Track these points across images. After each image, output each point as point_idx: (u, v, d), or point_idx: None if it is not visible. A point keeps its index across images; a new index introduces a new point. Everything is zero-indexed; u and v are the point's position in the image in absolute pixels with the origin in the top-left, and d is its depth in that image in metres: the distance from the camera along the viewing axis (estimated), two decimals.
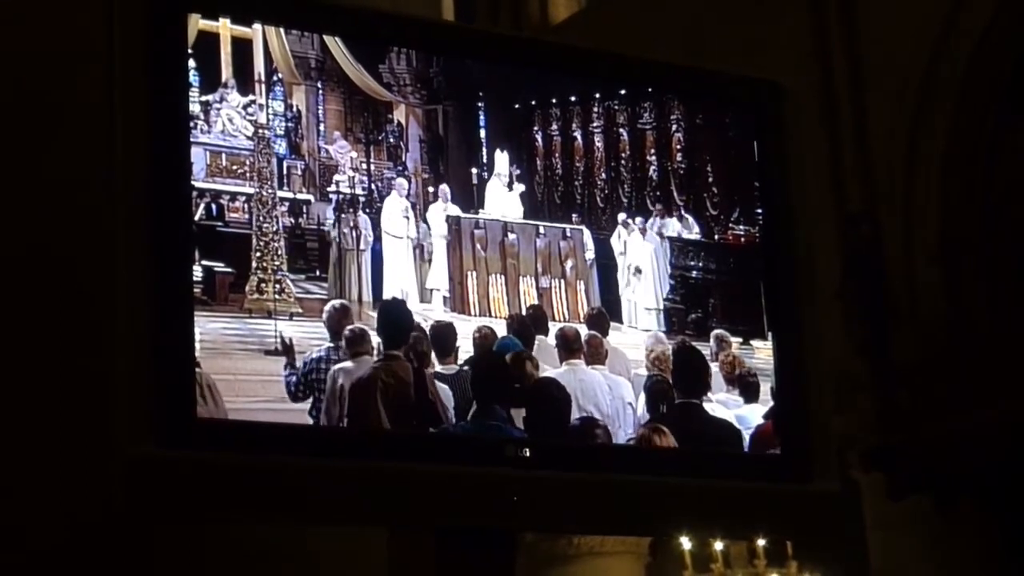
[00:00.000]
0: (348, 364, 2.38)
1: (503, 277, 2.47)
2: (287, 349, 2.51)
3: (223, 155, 2.38)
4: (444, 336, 2.50)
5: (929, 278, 14.33)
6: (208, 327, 2.35)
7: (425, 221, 2.47)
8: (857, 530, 14.19)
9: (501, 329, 2.53)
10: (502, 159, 2.50)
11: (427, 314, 2.47)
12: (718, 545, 15.06)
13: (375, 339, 2.42)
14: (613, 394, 2.58)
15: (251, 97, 2.39)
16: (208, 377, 2.34)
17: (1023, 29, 14.02)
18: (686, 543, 14.90)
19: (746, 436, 2.68)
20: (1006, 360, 13.33)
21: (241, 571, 2.90)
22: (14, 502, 2.76)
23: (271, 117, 2.37)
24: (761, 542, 14.95)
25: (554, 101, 2.58)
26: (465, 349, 2.53)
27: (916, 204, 14.53)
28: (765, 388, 2.68)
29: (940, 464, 13.57)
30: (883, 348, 14.05)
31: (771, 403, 2.68)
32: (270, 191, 2.42)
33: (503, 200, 2.52)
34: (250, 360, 2.38)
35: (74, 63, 2.48)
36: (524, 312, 2.54)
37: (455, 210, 2.48)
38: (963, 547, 13.84)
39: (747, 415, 2.71)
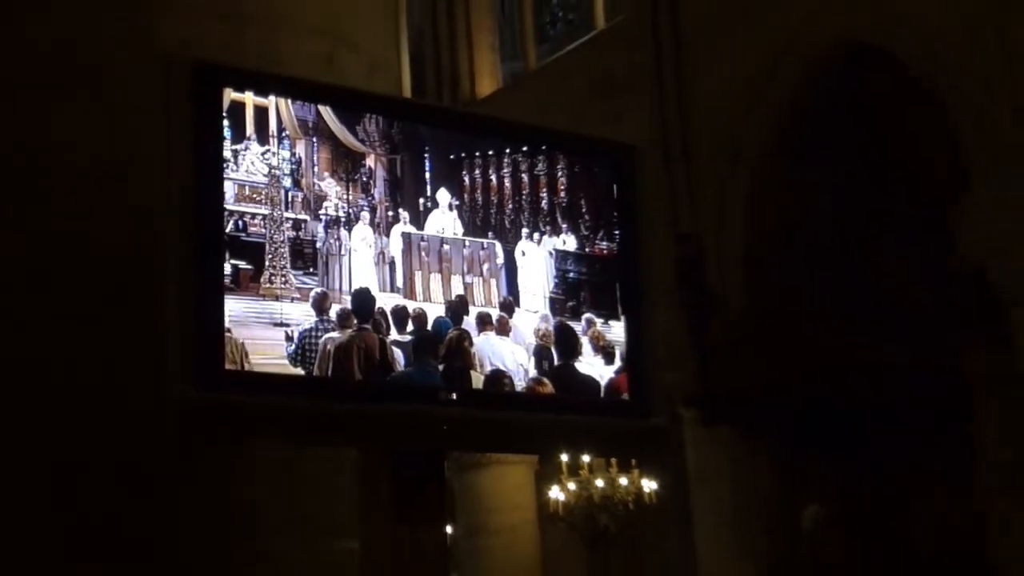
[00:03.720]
0: (335, 334, 2.48)
1: (440, 275, 2.58)
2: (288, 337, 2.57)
3: (247, 187, 2.47)
4: (399, 315, 2.59)
5: (735, 280, 14.55)
6: (234, 306, 2.42)
7: (387, 236, 2.57)
8: (679, 448, 14.37)
9: (438, 311, 2.62)
10: (442, 194, 2.62)
11: (387, 299, 2.56)
12: (585, 458, 15.14)
13: (355, 319, 2.50)
14: (514, 357, 2.69)
15: (267, 147, 2.47)
16: (236, 341, 2.42)
17: (805, 101, 14.21)
18: (563, 456, 14.99)
19: (603, 386, 2.78)
20: (784, 339, 13.59)
21: (252, 484, 2.94)
22: (98, 433, 2.78)
23: (280, 161, 2.46)
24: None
25: (477, 154, 2.69)
26: (412, 326, 2.61)
27: (728, 228, 14.73)
28: (618, 354, 2.79)
29: (737, 404, 13.82)
30: (702, 327, 14.25)
31: (622, 364, 2.79)
32: (278, 213, 2.51)
33: (441, 222, 2.63)
34: (263, 330, 2.46)
35: (146, 122, 2.54)
36: (455, 299, 2.65)
37: (409, 228, 2.58)
38: (751, 459, 14.13)
39: (605, 373, 2.80)
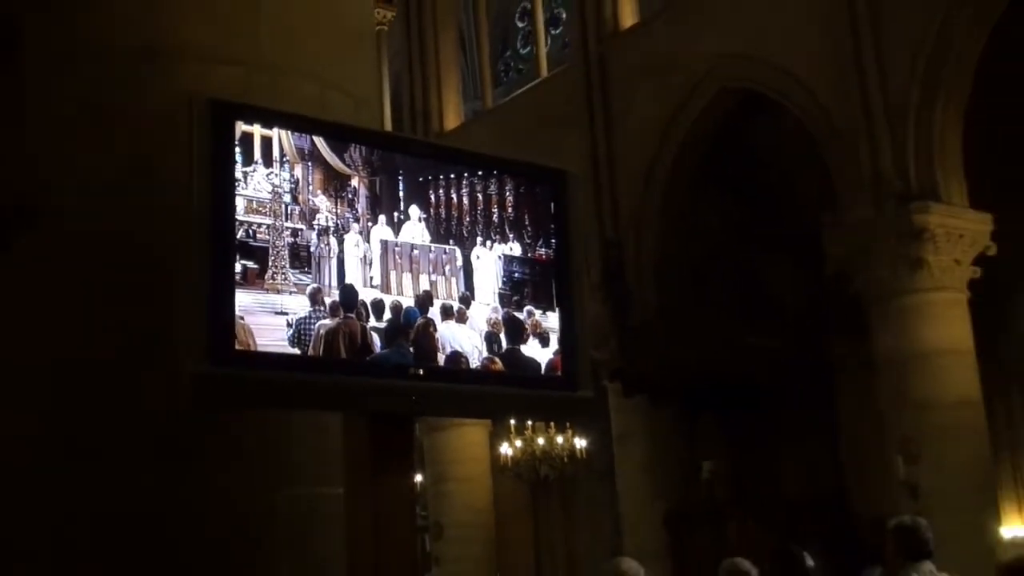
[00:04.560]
0: (326, 321, 2.43)
1: (410, 274, 2.55)
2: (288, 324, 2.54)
3: (254, 202, 2.42)
4: (377, 306, 2.56)
5: (649, 279, 14.60)
6: (243, 299, 2.38)
7: (368, 242, 2.54)
8: (604, 413, 14.42)
9: (409, 303, 2.59)
10: (413, 209, 2.58)
11: (368, 293, 2.53)
12: (528, 421, 15.16)
13: (342, 309, 2.48)
14: (470, 341, 2.66)
15: (271, 169, 2.43)
16: (244, 326, 2.38)
17: (706, 136, 14.30)
18: (511, 420, 15.00)
19: (543, 365, 2.76)
20: (688, 327, 13.63)
21: (254, 442, 2.90)
22: (135, 398, 2.75)
23: (282, 181, 2.42)
24: None
25: (442, 177, 2.66)
26: (388, 315, 2.59)
27: (643, 237, 14.79)
28: (554, 339, 2.77)
29: (649, 379, 13.87)
30: (623, 316, 14.26)
31: (557, 347, 2.77)
32: (280, 223, 2.47)
33: (412, 231, 2.60)
34: (267, 317, 2.42)
35: (173, 148, 2.50)
36: (422, 294, 2.62)
37: (387, 234, 2.55)
38: (661, 423, 14.25)
39: (544, 355, 2.79)
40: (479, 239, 2.74)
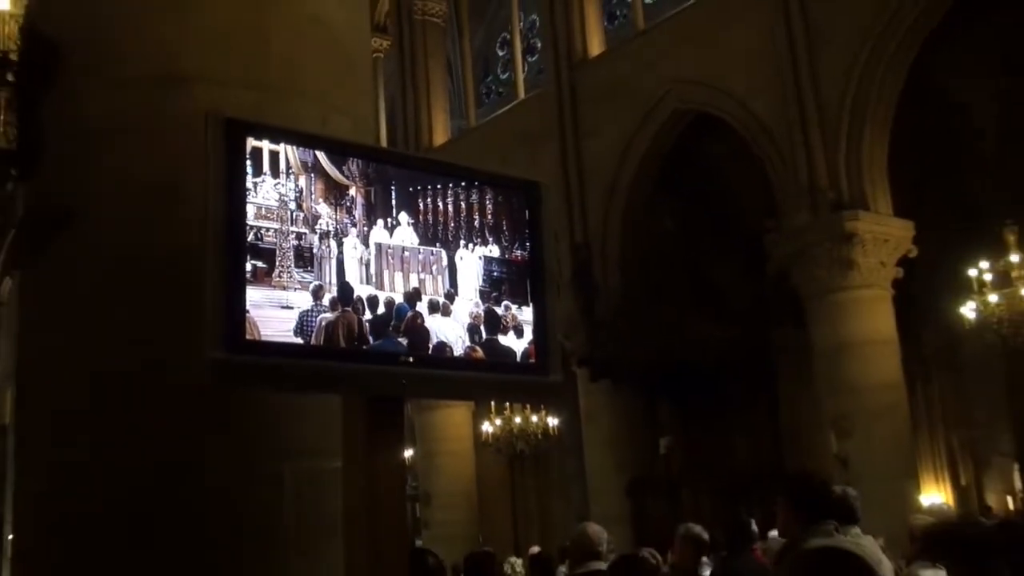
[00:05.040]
0: (327, 314, 2.42)
1: (401, 273, 2.54)
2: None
3: (263, 208, 2.41)
4: (372, 301, 2.55)
5: (614, 277, 14.62)
6: (253, 295, 2.36)
7: (364, 245, 2.53)
8: (573, 396, 14.43)
9: (400, 299, 2.59)
10: (403, 215, 2.58)
11: (363, 290, 2.53)
12: (506, 402, 15.17)
13: (340, 304, 2.47)
14: (454, 332, 2.66)
15: (278, 180, 2.42)
16: (252, 319, 2.37)
17: (663, 151, 14.34)
18: (492, 402, 15.02)
19: (519, 353, 2.76)
20: (648, 319, 13.67)
21: (265, 420, 2.90)
22: (162, 380, 2.74)
23: (287, 191, 2.41)
24: None
25: (430, 187, 2.66)
26: (381, 309, 2.58)
27: (608, 240, 14.80)
28: (528, 330, 2.77)
29: (613, 365, 13.89)
30: (590, 310, 14.28)
31: (531, 338, 2.77)
32: (286, 227, 2.46)
33: (403, 235, 2.59)
34: (274, 311, 2.40)
35: (192, 161, 2.50)
36: (411, 290, 2.61)
37: (381, 238, 2.54)
38: (623, 403, 14.25)
39: (520, 344, 2.78)
40: (462, 242, 2.73)
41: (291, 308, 2.37)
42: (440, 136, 18.38)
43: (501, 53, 21.34)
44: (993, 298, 11.64)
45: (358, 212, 2.51)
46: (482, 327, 2.63)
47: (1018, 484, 14.34)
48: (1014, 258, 11.69)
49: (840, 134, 12.01)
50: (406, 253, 2.59)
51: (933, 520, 5.79)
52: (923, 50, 11.89)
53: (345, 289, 2.44)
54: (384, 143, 17.80)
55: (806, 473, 3.99)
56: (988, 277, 11.75)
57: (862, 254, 11.83)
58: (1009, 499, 15.06)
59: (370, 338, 2.46)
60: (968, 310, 12.01)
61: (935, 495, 16.33)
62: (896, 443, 11.60)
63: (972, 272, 11.93)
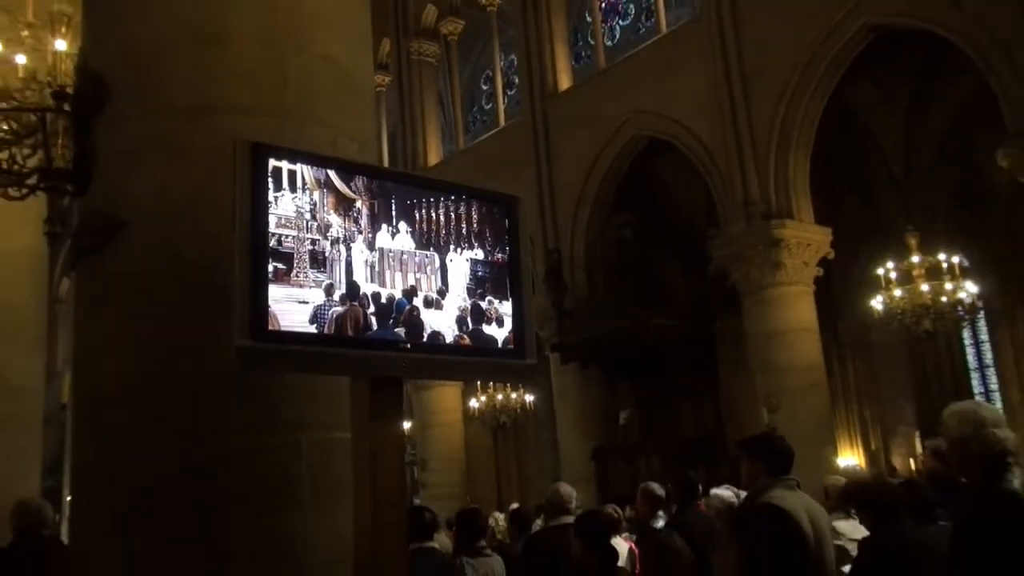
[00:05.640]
0: (337, 308, 2.42)
1: (400, 273, 2.54)
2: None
3: (282, 218, 2.40)
4: (375, 297, 2.55)
5: (580, 276, 14.64)
6: (275, 292, 2.36)
7: (370, 248, 2.53)
8: (547, 376, 14.42)
9: (399, 295, 2.58)
10: (403, 224, 2.58)
11: (368, 287, 2.52)
12: (490, 382, 15.14)
13: (349, 299, 2.46)
14: (446, 323, 2.66)
15: (295, 194, 2.42)
16: (273, 311, 2.36)
17: (621, 170, 14.34)
18: (478, 381, 14.99)
19: (500, 341, 2.77)
20: (608, 311, 13.69)
21: (283, 396, 2.88)
22: (199, 364, 2.73)
23: (303, 203, 2.40)
24: None
25: (424, 200, 2.66)
26: (383, 303, 2.58)
27: (575, 245, 14.81)
28: (508, 321, 2.78)
29: (580, 350, 13.90)
30: (560, 303, 14.28)
31: (510, 327, 2.78)
32: (302, 235, 2.45)
33: (402, 241, 2.59)
34: (292, 305, 2.40)
35: (221, 178, 2.48)
36: (409, 288, 2.61)
37: (383, 243, 2.54)
38: (589, 383, 14.26)
39: (501, 333, 2.78)
40: (452, 247, 2.73)
41: (306, 303, 2.37)
42: (433, 157, 18.34)
43: (485, 87, 21.31)
44: (898, 293, 11.72)
45: (363, 221, 2.51)
46: (469, 319, 2.63)
47: (919, 448, 14.46)
48: (915, 259, 11.79)
49: (769, 155, 12.08)
50: (404, 256, 2.59)
51: (846, 480, 5.84)
52: (840, 83, 11.97)
53: (352, 287, 2.43)
54: (386, 163, 17.74)
55: (768, 434, 4.00)
56: (893, 275, 11.83)
57: (788, 256, 11.90)
58: (911, 461, 15.19)
59: (374, 328, 2.46)
60: (877, 303, 12.08)
61: (850, 458, 16.47)
62: (817, 415, 11.66)
63: (880, 271, 12.01)
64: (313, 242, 2.41)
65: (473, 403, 16.35)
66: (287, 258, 2.37)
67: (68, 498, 3.36)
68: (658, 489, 6.07)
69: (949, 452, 2.90)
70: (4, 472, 5.79)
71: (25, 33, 4.11)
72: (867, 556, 3.65)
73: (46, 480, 7.43)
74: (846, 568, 4.14)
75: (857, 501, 3.74)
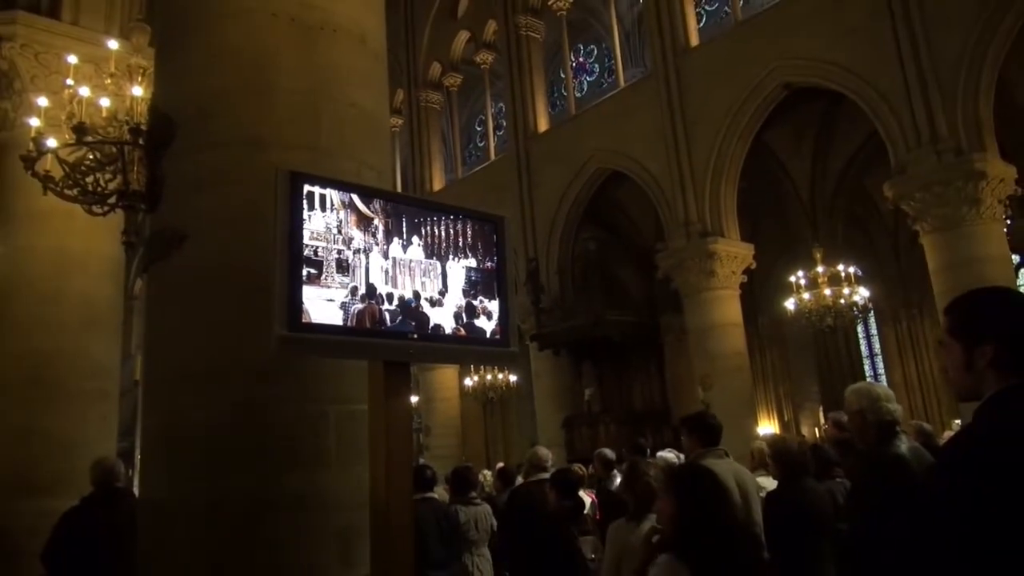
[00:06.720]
0: (358, 305, 2.40)
1: (410, 278, 2.52)
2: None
3: (314, 232, 2.38)
4: (389, 296, 2.53)
5: (553, 280, 14.62)
6: (308, 292, 2.34)
7: (385, 257, 2.51)
8: (527, 360, 14.38)
9: (408, 295, 2.57)
10: (414, 238, 2.56)
11: (384, 288, 2.50)
12: (481, 365, 15.06)
13: (368, 298, 2.44)
14: (445, 318, 2.65)
15: (325, 213, 2.40)
16: (306, 308, 2.33)
17: (587, 197, 14.33)
18: (471, 365, 14.89)
19: (489, 332, 2.75)
20: (576, 308, 13.67)
21: (317, 375, 2.86)
22: (245, 351, 2.70)
23: (331, 221, 2.38)
24: None
25: (429, 218, 2.64)
26: (396, 302, 2.56)
27: (550, 255, 14.79)
28: (495, 316, 2.76)
29: (554, 339, 13.86)
30: (538, 302, 14.26)
31: (497, 321, 2.77)
32: (331, 246, 2.43)
33: (412, 252, 2.58)
34: (321, 303, 2.38)
35: (265, 200, 2.46)
36: (416, 289, 2.59)
37: (396, 253, 2.53)
38: (561, 366, 14.26)
39: (490, 326, 2.76)
40: (451, 256, 2.72)
41: (333, 300, 2.35)
42: (437, 184, 18.30)
43: (479, 128, 21.29)
44: (806, 296, 11.82)
45: (380, 236, 2.49)
46: (464, 314, 2.62)
47: (822, 420, 14.56)
48: (820, 269, 11.89)
49: (705, 185, 12.16)
50: (413, 264, 2.58)
51: (765, 444, 5.85)
52: (761, 129, 12.07)
53: (371, 288, 2.42)
54: (399, 189, 17.67)
55: (703, 412, 4.00)
56: (803, 282, 11.93)
57: (719, 266, 11.97)
58: (816, 430, 15.31)
59: (388, 321, 2.45)
60: (790, 304, 12.17)
61: (768, 427, 16.56)
62: (741, 393, 11.72)
63: (792, 279, 12.11)
64: (339, 252, 2.39)
65: (467, 382, 16.31)
66: (318, 265, 2.35)
67: (138, 457, 3.32)
68: (610, 454, 6.07)
69: (849, 422, 2.92)
70: (90, 435, 5.75)
71: (108, 81, 4.12)
72: (776, 506, 3.65)
73: (121, 442, 7.35)
74: None
75: (774, 453, 3.75)
